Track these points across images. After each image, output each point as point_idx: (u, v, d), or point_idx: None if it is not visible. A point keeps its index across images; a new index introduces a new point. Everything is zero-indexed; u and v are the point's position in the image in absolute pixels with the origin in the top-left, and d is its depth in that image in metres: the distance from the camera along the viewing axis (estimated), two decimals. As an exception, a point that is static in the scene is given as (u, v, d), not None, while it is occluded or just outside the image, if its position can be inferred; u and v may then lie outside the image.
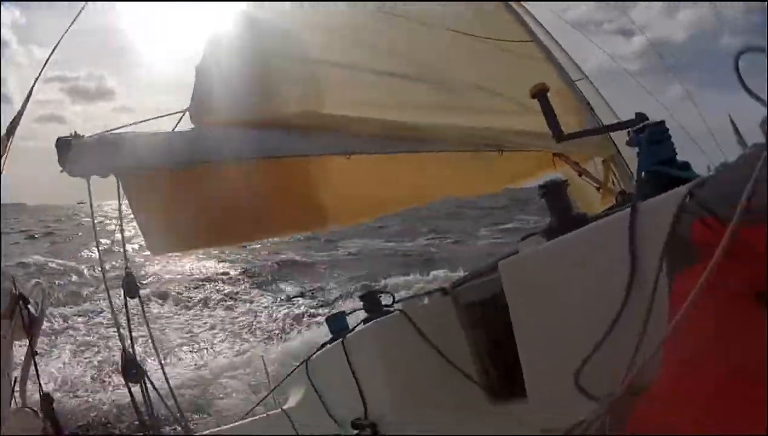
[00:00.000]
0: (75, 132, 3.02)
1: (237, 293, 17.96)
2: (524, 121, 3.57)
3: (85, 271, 20.98)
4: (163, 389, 3.12)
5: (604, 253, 1.93)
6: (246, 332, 13.71)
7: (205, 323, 14.69)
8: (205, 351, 12.37)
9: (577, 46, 4.81)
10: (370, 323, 3.66)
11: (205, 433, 4.64)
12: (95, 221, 3.35)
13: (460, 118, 3.81)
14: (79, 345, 12.27)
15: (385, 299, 3.84)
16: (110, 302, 3.13)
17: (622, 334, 1.79)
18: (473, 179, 4.74)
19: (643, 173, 2.06)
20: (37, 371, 3.38)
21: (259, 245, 22.34)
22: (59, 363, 10.96)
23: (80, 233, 33.60)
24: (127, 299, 3.08)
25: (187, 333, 13.62)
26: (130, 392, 2.92)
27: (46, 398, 3.26)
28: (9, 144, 3.24)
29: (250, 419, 4.77)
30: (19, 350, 3.45)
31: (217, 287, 18.67)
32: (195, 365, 11.34)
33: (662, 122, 2.11)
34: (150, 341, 3.56)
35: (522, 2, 4.44)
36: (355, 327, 3.78)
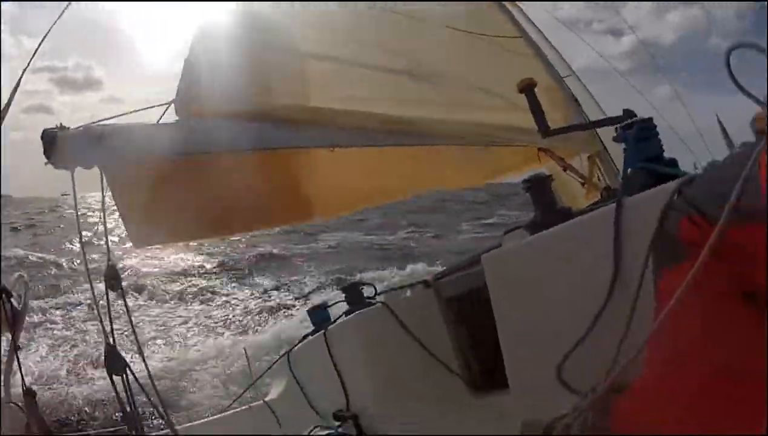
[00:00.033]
0: (60, 123, 2.98)
1: (213, 286, 17.87)
2: (511, 117, 3.59)
3: (65, 263, 20.74)
4: (144, 380, 3.10)
5: (588, 248, 1.95)
6: (220, 326, 13.67)
7: (180, 316, 14.63)
8: (178, 344, 12.36)
9: (566, 44, 4.86)
10: (352, 315, 3.68)
11: (186, 425, 4.63)
12: (78, 213, 3.32)
13: (448, 113, 3.83)
14: (57, 339, 12.22)
15: (368, 291, 3.87)
16: (93, 294, 3.10)
17: (606, 329, 1.81)
18: (457, 173, 4.77)
19: (629, 169, 2.10)
20: (20, 365, 3.33)
21: (237, 238, 22.24)
22: (36, 357, 10.92)
23: (62, 226, 33.16)
24: (109, 291, 3.04)
25: (161, 326, 13.56)
26: (112, 383, 2.88)
27: (29, 393, 3.24)
28: None
29: (232, 411, 4.79)
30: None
31: (194, 281, 18.57)
32: (167, 357, 11.33)
33: (650, 119, 2.13)
34: (132, 333, 3.53)
35: (515, 2, 4.47)
36: (337, 319, 3.80)
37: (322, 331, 3.74)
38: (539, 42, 4.23)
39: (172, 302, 16.13)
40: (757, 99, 1.33)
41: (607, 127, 2.98)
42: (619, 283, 1.82)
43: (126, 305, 3.14)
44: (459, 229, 28.90)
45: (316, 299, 14.94)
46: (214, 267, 20.51)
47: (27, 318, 3.58)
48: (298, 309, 14.33)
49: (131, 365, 2.94)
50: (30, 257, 21.79)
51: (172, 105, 3.41)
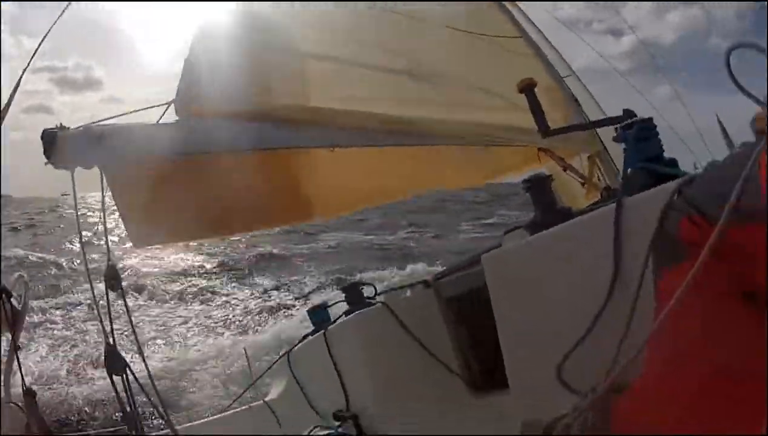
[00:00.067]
0: (60, 123, 2.99)
1: (213, 286, 17.88)
2: (511, 117, 3.60)
3: (64, 263, 20.75)
4: (143, 379, 3.12)
5: (588, 248, 1.96)
6: (220, 326, 13.67)
7: (180, 316, 14.63)
8: (178, 344, 12.37)
9: (566, 44, 4.87)
10: (352, 315, 3.68)
11: (186, 425, 4.64)
12: (78, 214, 3.33)
13: (448, 113, 3.83)
14: (57, 339, 12.23)
15: (368, 291, 3.87)
16: (93, 294, 3.11)
17: (606, 329, 1.82)
18: (457, 173, 4.77)
19: (629, 169, 2.10)
20: (19, 365, 3.34)
21: (237, 238, 22.26)
22: (36, 357, 10.93)
23: (62, 226, 33.19)
24: (109, 291, 3.05)
25: (161, 326, 13.56)
26: (112, 383, 2.89)
27: (29, 393, 3.24)
28: None
29: (232, 411, 4.80)
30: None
31: (193, 281, 18.57)
32: (167, 357, 11.34)
33: (650, 119, 2.14)
34: (132, 333, 3.54)
35: (515, 2, 4.47)
36: (337, 319, 3.80)
37: (322, 331, 3.74)
38: (539, 42, 4.23)
39: (172, 302, 16.13)
40: (757, 99, 1.32)
41: (607, 127, 2.99)
42: (619, 283, 1.82)
43: (126, 305, 3.14)
44: (459, 229, 28.90)
45: (315, 299, 14.95)
46: (214, 267, 20.51)
47: (27, 318, 3.58)
48: (297, 309, 14.35)
49: (131, 364, 2.95)
50: (30, 257, 21.79)
51: (172, 105, 3.42)
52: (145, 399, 3.10)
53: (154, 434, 4.21)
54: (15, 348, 3.33)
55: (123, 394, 2.92)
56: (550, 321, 2.08)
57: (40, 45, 3.69)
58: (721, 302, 1.36)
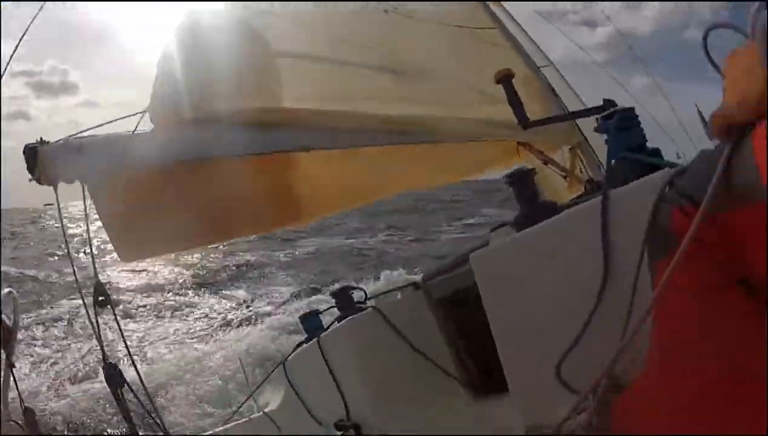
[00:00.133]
0: (41, 138, 3.06)
1: (190, 298, 17.74)
2: (489, 110, 3.59)
3: (51, 277, 20.71)
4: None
5: (577, 242, 1.95)
6: (197, 340, 13.54)
7: (155, 331, 14.49)
8: (152, 360, 12.27)
9: (539, 35, 4.87)
10: (344, 321, 3.67)
11: None
12: (65, 231, 3.36)
13: (423, 108, 3.82)
14: (38, 356, 12.10)
15: (358, 295, 3.89)
16: (87, 312, 3.12)
17: (600, 325, 1.81)
18: (434, 171, 4.75)
19: (612, 160, 2.09)
20: (15, 383, 3.33)
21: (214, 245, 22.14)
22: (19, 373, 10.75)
23: (43, 238, 32.99)
24: (97, 309, 3.09)
25: (135, 342, 13.43)
26: (116, 398, 2.99)
27: (29, 412, 3.23)
28: None
29: (233, 423, 4.79)
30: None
31: (170, 294, 18.41)
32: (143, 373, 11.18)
33: (631, 109, 2.13)
34: (126, 349, 3.56)
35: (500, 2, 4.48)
36: (329, 326, 3.79)
37: (316, 339, 3.73)
38: (514, 32, 4.22)
39: (148, 316, 15.97)
40: None
41: (588, 118, 2.99)
42: (610, 277, 1.82)
43: (117, 322, 3.27)
44: (439, 230, 28.91)
45: (294, 307, 14.96)
46: (191, 278, 20.34)
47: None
48: (277, 318, 14.29)
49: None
50: (11, 271, 21.54)
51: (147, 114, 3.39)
52: (142, 414, 3.19)
53: None
54: (10, 365, 3.31)
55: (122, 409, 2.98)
56: (544, 319, 2.08)
57: (16, 48, 3.69)
58: (719, 295, 1.33)
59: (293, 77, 3.75)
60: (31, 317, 14.97)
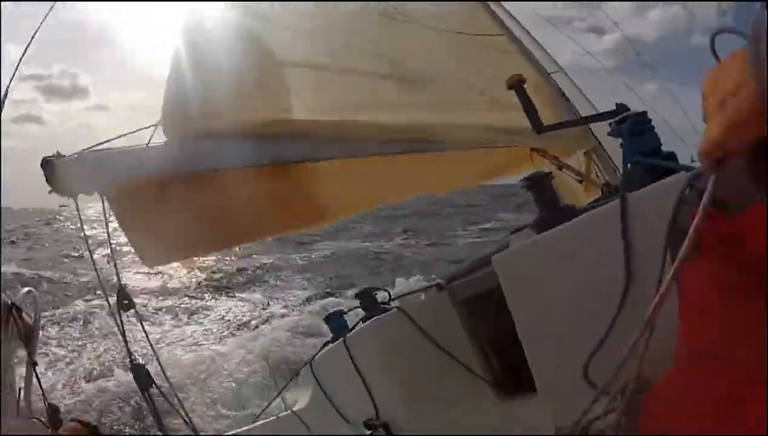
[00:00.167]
0: (57, 152, 3.15)
1: (205, 301, 17.84)
2: (499, 117, 3.60)
3: (55, 277, 20.93)
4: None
5: (595, 245, 1.98)
6: (212, 342, 13.62)
7: (171, 333, 14.58)
8: (166, 362, 12.30)
9: (547, 43, 4.87)
10: (369, 321, 3.70)
11: None
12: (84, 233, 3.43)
13: (433, 117, 3.84)
14: (54, 355, 12.25)
15: (382, 296, 3.94)
16: (114, 317, 3.19)
17: (625, 327, 1.83)
18: (446, 176, 4.75)
19: (628, 164, 2.11)
20: (38, 380, 3.39)
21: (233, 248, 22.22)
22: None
23: (57, 239, 33.50)
24: (121, 312, 3.17)
25: (155, 343, 13.48)
26: (145, 399, 3.06)
27: (53, 409, 3.26)
28: None
29: (261, 422, 4.83)
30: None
31: (186, 296, 18.52)
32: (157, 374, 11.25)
33: (644, 113, 2.15)
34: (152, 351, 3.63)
35: (500, 2, 4.47)
36: (354, 326, 3.83)
37: (342, 339, 3.76)
38: (523, 39, 4.23)
39: (164, 318, 16.07)
40: None
41: (601, 123, 2.99)
42: (632, 279, 1.85)
43: (142, 326, 3.44)
44: (455, 234, 28.84)
45: (309, 310, 15.15)
46: (206, 281, 20.44)
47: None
48: (292, 320, 14.39)
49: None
50: (26, 272, 21.72)
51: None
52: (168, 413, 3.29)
53: None
54: (32, 363, 3.37)
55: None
56: (567, 320, 2.10)
57: (25, 51, 3.76)
58: (745, 295, 1.32)
59: (299, 86, 3.79)
60: (45, 317, 15.07)
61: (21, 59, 3.73)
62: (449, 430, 3.27)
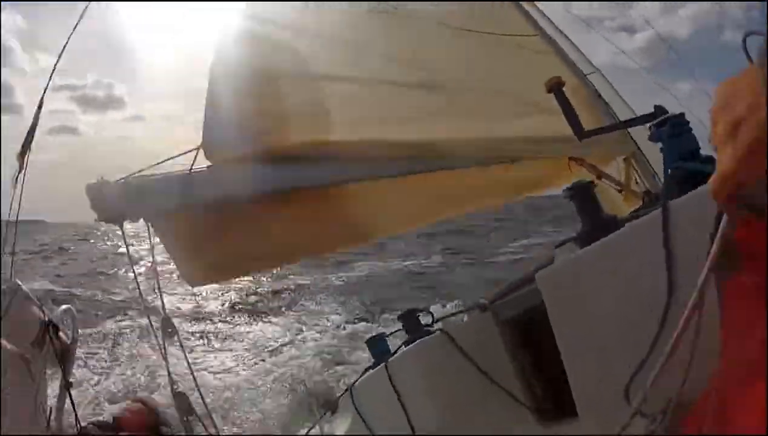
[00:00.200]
0: (101, 177, 3.24)
1: (239, 325, 17.96)
2: (539, 124, 3.59)
3: (86, 296, 21.14)
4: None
5: (639, 257, 1.95)
6: (243, 368, 13.68)
7: (203, 358, 14.68)
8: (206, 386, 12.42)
9: (580, 43, 4.84)
10: (412, 345, 3.68)
11: None
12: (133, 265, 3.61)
13: (469, 126, 3.84)
14: (81, 376, 12.39)
15: (425, 318, 3.89)
16: (159, 346, 3.32)
17: (667, 342, 1.80)
18: (484, 193, 4.74)
19: (669, 170, 2.08)
20: (72, 401, 3.37)
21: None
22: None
23: (92, 256, 33.93)
24: (165, 341, 3.30)
25: (182, 368, 13.58)
26: (185, 427, 3.15)
27: (86, 431, 3.34)
28: (26, 160, 3.35)
29: None
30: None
31: (217, 320, 18.65)
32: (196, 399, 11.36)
33: (682, 114, 2.12)
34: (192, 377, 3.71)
35: (533, 2, 4.46)
36: (397, 350, 3.81)
37: (383, 363, 3.75)
38: (557, 38, 4.20)
39: (196, 342, 16.18)
40: None
41: (638, 127, 2.95)
42: (674, 290, 1.82)
43: (185, 354, 3.54)
44: (495, 250, 28.64)
45: (344, 334, 15.17)
46: (240, 303, 20.56)
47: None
48: (325, 343, 14.49)
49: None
50: (56, 290, 21.98)
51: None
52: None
53: None
54: (67, 384, 3.36)
55: None
56: (611, 334, 2.07)
57: (58, 60, 3.84)
58: None
59: (332, 101, 3.86)
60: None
61: (55, 68, 3.81)
62: None
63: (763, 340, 1.29)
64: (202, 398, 3.38)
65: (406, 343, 3.75)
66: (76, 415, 3.37)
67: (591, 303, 2.12)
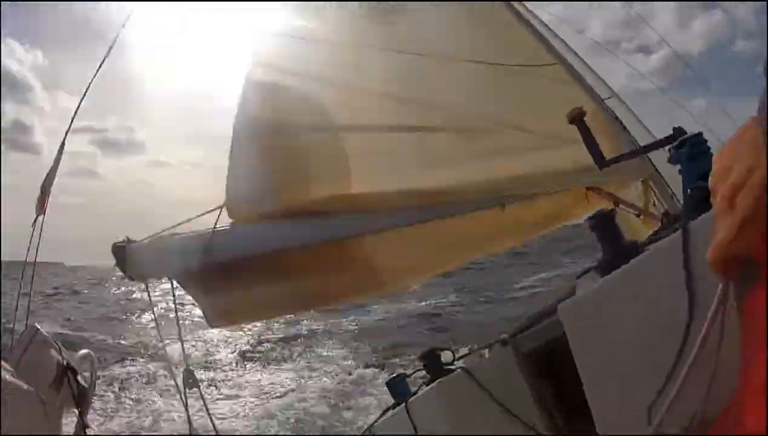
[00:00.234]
0: (127, 237, 3.46)
1: (248, 374, 17.92)
2: (558, 156, 3.63)
3: (94, 340, 21.23)
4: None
5: (657, 279, 1.96)
6: (249, 416, 13.63)
7: (212, 405, 14.60)
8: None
9: (596, 66, 4.89)
10: (433, 384, 3.69)
11: None
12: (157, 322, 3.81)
13: (489, 162, 3.90)
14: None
15: (446, 356, 3.88)
16: (179, 394, 3.47)
17: (688, 363, 1.81)
18: (506, 231, 4.73)
19: (688, 190, 2.12)
20: None
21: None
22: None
23: (105, 300, 34.33)
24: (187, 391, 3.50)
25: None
26: None
27: None
28: (47, 201, 3.46)
29: None
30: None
31: (227, 367, 18.62)
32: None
33: (700, 134, 2.17)
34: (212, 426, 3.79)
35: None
36: (417, 390, 3.83)
37: (403, 404, 3.76)
38: (573, 63, 4.21)
39: (209, 389, 16.13)
40: None
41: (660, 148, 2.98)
42: (695, 312, 1.82)
43: (206, 406, 3.78)
44: (511, 286, 28.47)
45: (351, 379, 15.20)
46: (249, 349, 20.52)
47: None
48: (333, 386, 14.57)
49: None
50: (69, 334, 22.06)
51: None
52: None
53: None
54: (84, 427, 3.41)
55: None
56: (632, 360, 2.07)
57: (81, 101, 4.01)
58: None
59: (352, 152, 3.96)
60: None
61: (76, 111, 3.94)
62: None
63: None
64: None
65: (427, 383, 3.77)
66: None
67: (612, 331, 2.12)
